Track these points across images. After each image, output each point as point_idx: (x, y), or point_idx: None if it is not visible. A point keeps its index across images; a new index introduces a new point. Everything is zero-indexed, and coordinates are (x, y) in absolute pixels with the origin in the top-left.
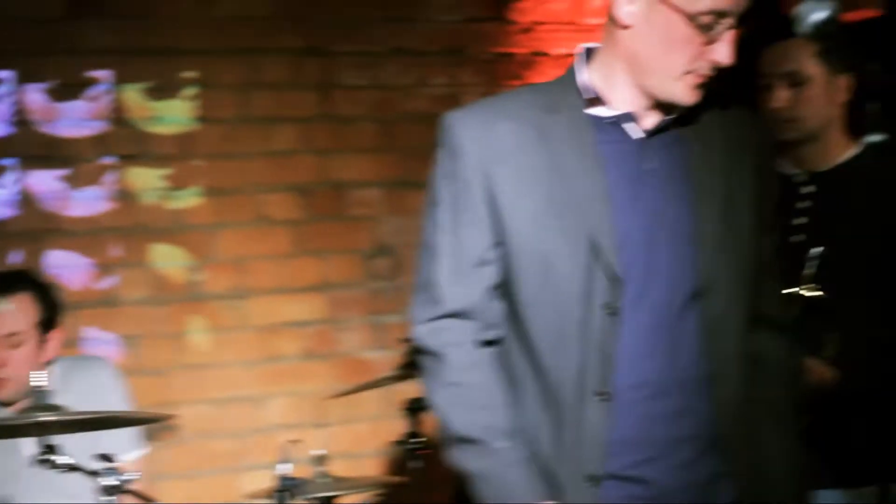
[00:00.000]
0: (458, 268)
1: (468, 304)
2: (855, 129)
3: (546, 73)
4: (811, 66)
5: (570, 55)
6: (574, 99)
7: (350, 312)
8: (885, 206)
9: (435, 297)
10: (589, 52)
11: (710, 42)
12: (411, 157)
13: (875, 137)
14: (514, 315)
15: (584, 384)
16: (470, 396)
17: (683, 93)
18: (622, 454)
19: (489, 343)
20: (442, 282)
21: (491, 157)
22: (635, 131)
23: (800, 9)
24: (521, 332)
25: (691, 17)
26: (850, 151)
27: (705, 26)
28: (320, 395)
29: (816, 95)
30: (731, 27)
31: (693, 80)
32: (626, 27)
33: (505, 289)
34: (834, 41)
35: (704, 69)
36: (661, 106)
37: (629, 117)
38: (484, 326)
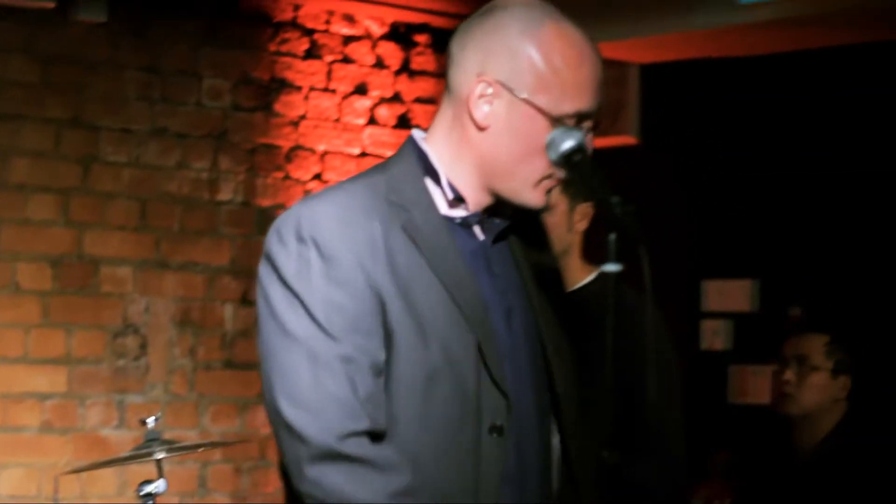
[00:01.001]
0: (362, 383)
1: (377, 421)
2: (594, 257)
3: (307, 168)
4: (554, 193)
5: (332, 152)
6: (424, 195)
7: (92, 388)
8: (609, 329)
9: (343, 412)
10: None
11: None
12: (166, 238)
13: (611, 267)
14: (389, 438)
15: None
16: None
17: (537, 198)
18: None
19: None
20: (350, 398)
21: (370, 260)
22: (480, 234)
23: (551, 136)
24: (397, 448)
25: (555, 121)
26: (586, 278)
27: None
28: (55, 469)
29: (556, 223)
30: (589, 129)
31: (548, 184)
32: (482, 128)
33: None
34: (578, 171)
35: (560, 173)
36: (500, 208)
37: (477, 219)
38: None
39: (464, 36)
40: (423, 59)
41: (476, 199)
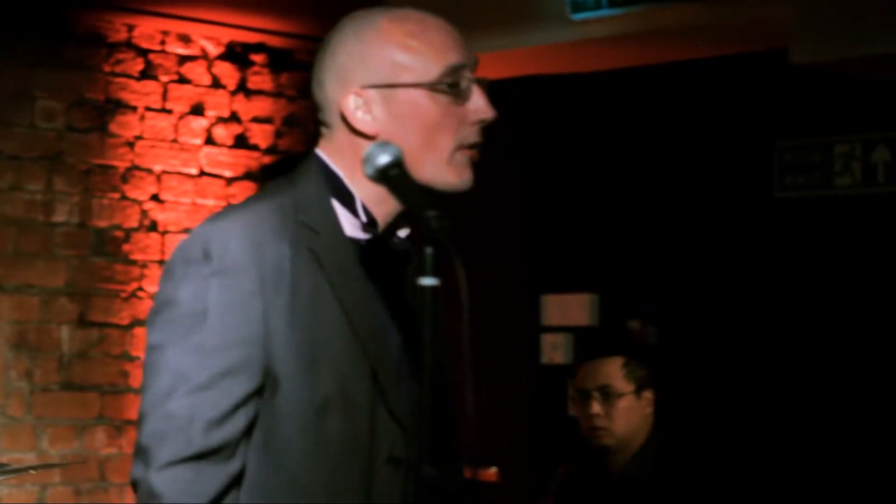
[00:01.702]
0: (217, 404)
1: (223, 443)
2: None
3: (144, 189)
4: None
5: (169, 172)
6: (331, 217)
7: None
8: (427, 343)
9: (186, 436)
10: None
11: (463, 104)
12: (0, 260)
13: (428, 280)
14: (278, 470)
15: None
16: None
17: (458, 176)
18: None
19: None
20: (198, 418)
21: (272, 286)
22: (380, 255)
23: (367, 152)
24: (283, 491)
25: (433, 86)
26: None
27: (451, 86)
28: None
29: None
30: (474, 81)
31: (464, 156)
32: (374, 136)
33: (266, 438)
34: (395, 185)
35: (472, 136)
36: (394, 228)
37: (381, 241)
38: (231, 463)
39: (316, 74)
40: (259, 79)
41: (382, 213)
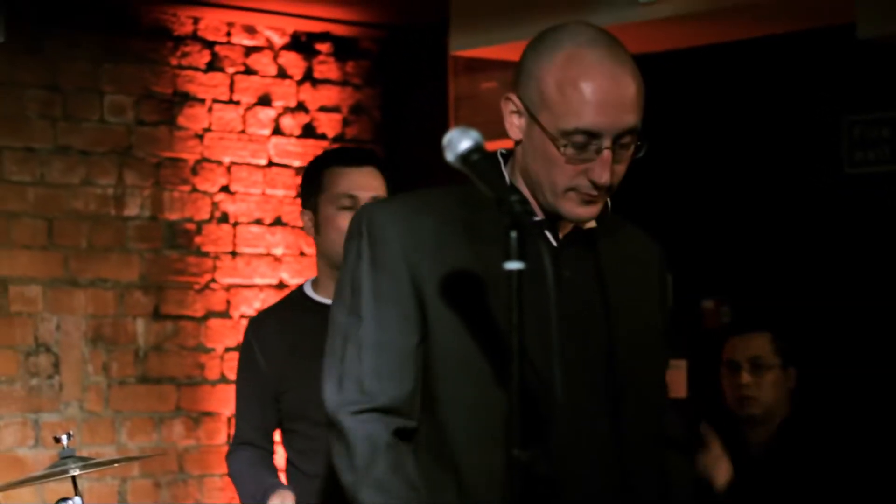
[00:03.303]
0: (386, 362)
1: (396, 400)
2: None
3: (214, 181)
4: None
5: (238, 163)
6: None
7: (7, 408)
8: (514, 327)
9: (363, 390)
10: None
11: (587, 161)
12: (74, 256)
13: (514, 265)
14: (432, 413)
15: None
16: (392, 495)
17: (569, 209)
18: None
19: (410, 435)
20: (369, 376)
21: (415, 250)
22: (552, 239)
23: (449, 136)
24: (437, 429)
25: (555, 139)
26: None
27: (575, 146)
28: None
29: None
30: (605, 147)
31: (577, 197)
32: (517, 141)
33: (424, 384)
34: (476, 170)
35: (585, 188)
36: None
37: (549, 224)
38: (407, 420)
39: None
40: (325, 68)
41: (536, 208)
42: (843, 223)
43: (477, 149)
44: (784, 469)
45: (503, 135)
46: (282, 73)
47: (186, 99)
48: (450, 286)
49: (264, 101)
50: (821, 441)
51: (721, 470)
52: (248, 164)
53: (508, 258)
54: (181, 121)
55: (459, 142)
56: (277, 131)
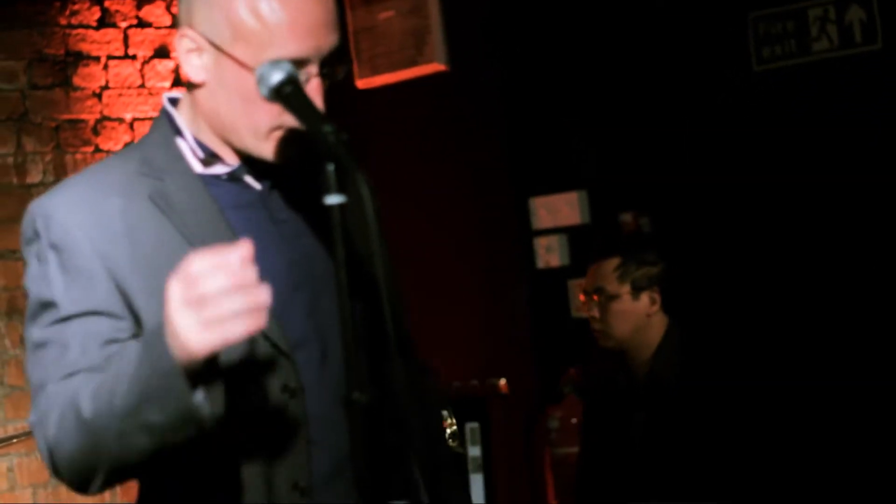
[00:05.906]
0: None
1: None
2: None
3: (117, 139)
4: None
5: (141, 119)
6: (178, 160)
7: None
8: (339, 262)
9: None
10: (175, 103)
11: None
12: None
13: (334, 199)
14: None
15: (276, 479)
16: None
17: (270, 150)
18: None
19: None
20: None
21: (107, 241)
22: (255, 183)
23: (260, 71)
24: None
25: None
26: None
27: None
28: None
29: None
30: (314, 75)
31: (279, 135)
32: (199, 85)
33: None
34: (290, 103)
35: (293, 122)
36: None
37: (244, 170)
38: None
39: None
40: None
41: (230, 153)
42: (757, 122)
43: (290, 81)
44: (671, 393)
45: (406, 65)
46: (177, 23)
47: (80, 58)
48: (153, 271)
49: (161, 52)
50: (704, 360)
51: None
52: (151, 119)
53: (328, 192)
54: (77, 81)
55: (270, 75)
56: (178, 83)
